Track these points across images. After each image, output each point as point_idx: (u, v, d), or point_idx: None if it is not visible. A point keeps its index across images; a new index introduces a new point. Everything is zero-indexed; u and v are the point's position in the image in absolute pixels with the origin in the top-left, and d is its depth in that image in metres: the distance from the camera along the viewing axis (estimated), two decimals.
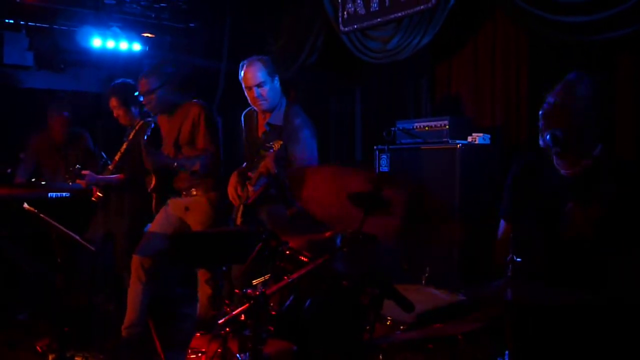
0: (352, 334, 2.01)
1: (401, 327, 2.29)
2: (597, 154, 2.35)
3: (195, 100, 4.22)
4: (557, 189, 2.38)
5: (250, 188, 3.53)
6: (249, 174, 3.59)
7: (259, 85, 3.63)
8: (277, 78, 3.71)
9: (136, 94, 4.17)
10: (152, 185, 4.17)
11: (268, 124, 3.71)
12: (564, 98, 2.33)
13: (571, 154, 2.34)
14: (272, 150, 3.12)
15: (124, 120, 4.64)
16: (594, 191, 2.28)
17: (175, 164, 4.04)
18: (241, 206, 3.63)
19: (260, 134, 3.76)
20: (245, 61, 3.70)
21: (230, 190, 3.79)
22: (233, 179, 3.83)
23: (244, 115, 4.00)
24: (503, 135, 3.95)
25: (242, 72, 3.68)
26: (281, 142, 3.21)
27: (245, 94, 3.72)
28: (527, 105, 3.84)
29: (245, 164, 3.95)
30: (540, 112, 2.39)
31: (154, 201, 4.33)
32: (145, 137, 4.04)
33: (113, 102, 4.61)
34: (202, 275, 4.16)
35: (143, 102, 4.17)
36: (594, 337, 2.06)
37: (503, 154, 3.82)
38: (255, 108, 3.78)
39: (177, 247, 4.03)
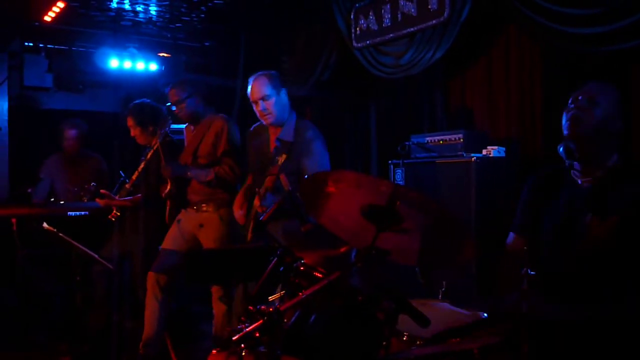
0: (367, 350, 2.00)
1: (417, 342, 2.28)
2: (612, 164, 2.33)
3: (220, 114, 4.31)
4: (575, 201, 2.35)
5: (257, 203, 3.53)
6: (257, 189, 3.60)
7: (263, 99, 3.63)
8: (283, 92, 3.69)
9: (168, 104, 4.30)
10: (166, 191, 4.21)
11: (278, 139, 3.66)
12: (587, 101, 2.31)
13: (585, 164, 2.32)
14: (277, 163, 3.12)
15: (140, 139, 4.70)
16: (612, 201, 2.25)
17: (190, 172, 4.09)
18: (252, 222, 3.64)
19: (271, 149, 3.71)
20: (252, 76, 3.73)
21: (236, 210, 3.81)
22: (239, 199, 3.85)
23: (252, 130, 3.98)
24: (518, 148, 3.93)
25: (249, 86, 3.71)
26: (285, 156, 3.18)
27: (254, 108, 3.74)
28: (542, 117, 3.82)
29: (250, 180, 3.98)
30: (564, 116, 2.36)
31: (167, 209, 4.35)
32: (164, 139, 4.13)
33: (129, 121, 4.68)
34: (216, 292, 4.17)
35: (175, 112, 4.28)
36: (613, 354, 2.02)
37: (518, 166, 3.80)
38: (264, 122, 3.77)
39: (192, 264, 4.05)
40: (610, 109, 2.32)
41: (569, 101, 2.38)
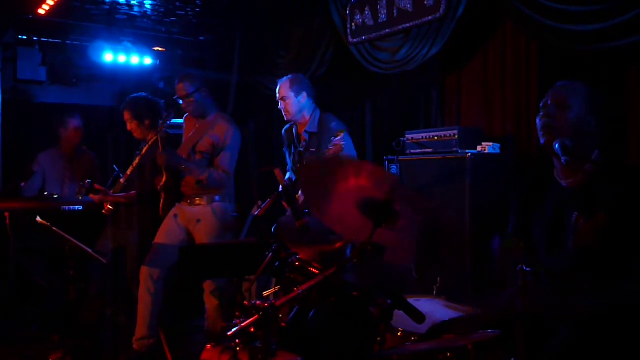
0: (361, 345, 2.00)
1: (412, 338, 2.28)
2: (596, 159, 2.35)
3: (226, 116, 4.38)
4: (562, 200, 2.37)
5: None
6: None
7: (283, 99, 4.14)
8: (304, 94, 4.15)
9: (175, 97, 4.31)
10: (162, 183, 4.21)
11: (306, 131, 4.18)
12: (557, 106, 2.34)
13: (575, 161, 2.33)
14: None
15: (137, 133, 4.69)
16: (596, 200, 2.27)
17: (185, 166, 4.10)
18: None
19: (301, 142, 4.23)
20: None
21: None
22: None
23: (285, 131, 4.43)
24: (513, 145, 3.93)
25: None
26: (341, 133, 3.57)
27: None
28: (537, 114, 3.82)
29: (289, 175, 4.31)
30: (537, 123, 2.41)
31: (162, 201, 4.34)
32: (164, 134, 4.14)
33: (125, 115, 4.68)
34: (207, 286, 4.18)
35: (182, 106, 4.31)
36: (606, 346, 2.04)
37: (513, 163, 3.80)
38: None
39: (187, 259, 4.05)
40: (583, 107, 2.34)
41: (540, 105, 2.41)
